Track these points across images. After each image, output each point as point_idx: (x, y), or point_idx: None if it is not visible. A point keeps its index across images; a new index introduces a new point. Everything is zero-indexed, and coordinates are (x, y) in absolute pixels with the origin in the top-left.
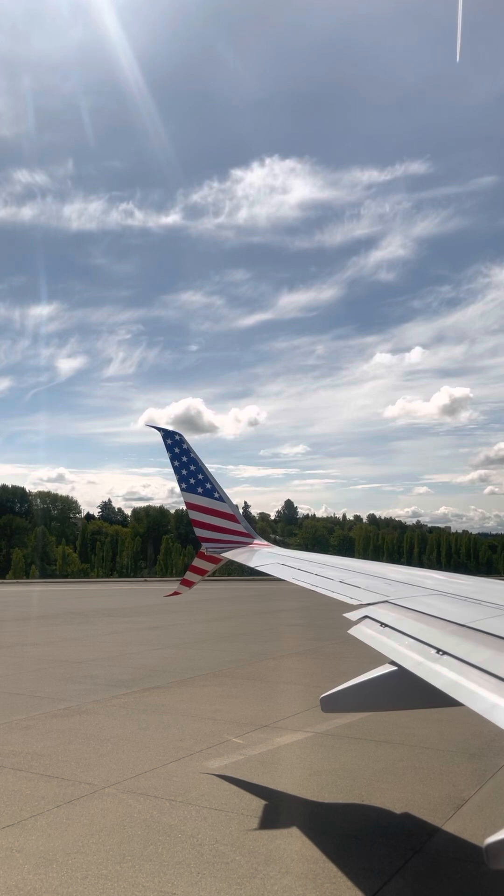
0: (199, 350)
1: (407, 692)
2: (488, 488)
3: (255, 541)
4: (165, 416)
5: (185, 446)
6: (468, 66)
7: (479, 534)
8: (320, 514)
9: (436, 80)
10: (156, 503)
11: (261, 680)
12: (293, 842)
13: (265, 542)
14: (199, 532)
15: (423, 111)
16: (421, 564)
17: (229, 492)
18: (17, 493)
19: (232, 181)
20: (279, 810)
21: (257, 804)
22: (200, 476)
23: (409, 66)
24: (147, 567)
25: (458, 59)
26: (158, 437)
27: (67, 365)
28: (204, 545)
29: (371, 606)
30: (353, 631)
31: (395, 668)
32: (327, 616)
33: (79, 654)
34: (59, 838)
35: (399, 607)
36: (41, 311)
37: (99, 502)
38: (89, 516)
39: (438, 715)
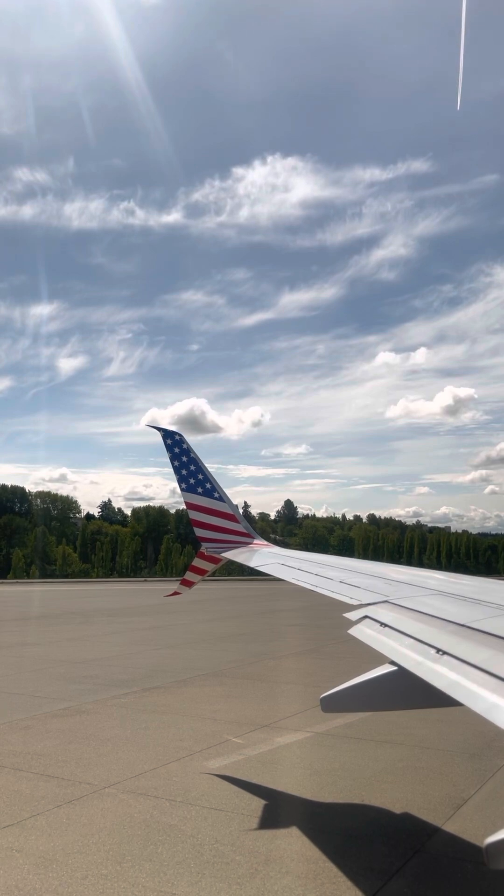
0: (200, 350)
1: (407, 692)
2: (489, 488)
3: (255, 541)
4: (168, 416)
5: (184, 446)
6: (470, 65)
7: (479, 534)
8: (320, 514)
9: (437, 79)
10: (157, 503)
11: (261, 680)
12: (293, 842)
13: (265, 542)
14: (198, 532)
15: (425, 109)
16: (421, 564)
17: (229, 492)
18: (17, 493)
19: (233, 179)
20: (279, 810)
21: (257, 804)
22: (200, 476)
23: (410, 64)
24: (147, 567)
25: (458, 108)
26: (159, 436)
27: (68, 364)
28: (204, 545)
29: (371, 606)
30: (353, 631)
31: (395, 668)
32: (327, 616)
33: (79, 654)
34: (59, 838)
35: (399, 607)
36: (42, 310)
37: (99, 502)
38: (89, 516)
39: (438, 715)
